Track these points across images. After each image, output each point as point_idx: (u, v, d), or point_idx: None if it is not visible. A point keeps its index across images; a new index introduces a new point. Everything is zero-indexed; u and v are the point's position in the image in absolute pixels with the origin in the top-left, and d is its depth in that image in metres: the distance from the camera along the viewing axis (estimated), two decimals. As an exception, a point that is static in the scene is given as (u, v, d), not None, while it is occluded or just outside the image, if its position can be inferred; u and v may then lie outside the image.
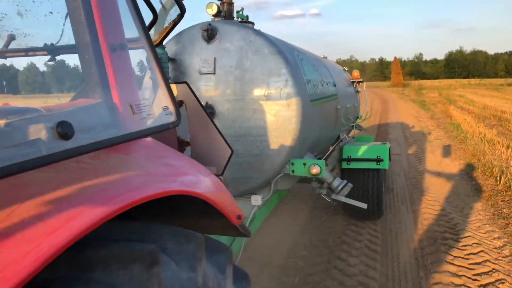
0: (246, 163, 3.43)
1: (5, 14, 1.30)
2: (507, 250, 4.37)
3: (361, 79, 6.33)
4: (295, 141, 3.39)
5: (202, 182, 1.33)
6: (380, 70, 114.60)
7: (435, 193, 6.43)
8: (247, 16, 4.01)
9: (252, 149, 3.40)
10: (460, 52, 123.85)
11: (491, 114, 15.89)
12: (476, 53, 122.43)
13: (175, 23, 1.81)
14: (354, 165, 5.07)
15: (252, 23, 3.91)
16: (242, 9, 4.01)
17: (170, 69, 3.52)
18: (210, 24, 3.44)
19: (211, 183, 1.40)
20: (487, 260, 4.13)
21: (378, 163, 4.97)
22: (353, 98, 6.09)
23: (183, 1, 1.72)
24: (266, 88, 3.32)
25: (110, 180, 1.02)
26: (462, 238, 4.71)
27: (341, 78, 5.68)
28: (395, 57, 74.48)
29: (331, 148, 4.53)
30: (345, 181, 3.99)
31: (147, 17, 1.77)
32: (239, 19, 3.87)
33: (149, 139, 1.38)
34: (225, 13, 3.75)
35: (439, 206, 5.85)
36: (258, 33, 3.48)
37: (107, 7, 1.28)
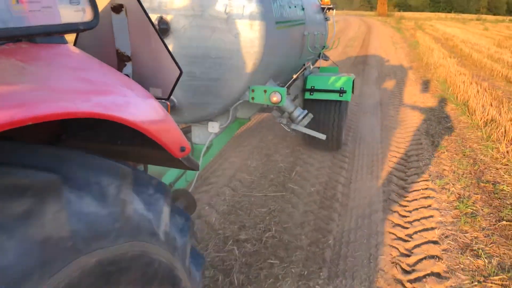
0: (204, 87, 3.20)
1: None
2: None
3: (331, 6, 6.00)
4: (257, 66, 3.16)
5: (131, 105, 1.10)
6: (367, 0, 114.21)
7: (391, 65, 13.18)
8: None
9: (210, 72, 3.15)
10: None
11: (444, 37, 22.31)
12: None
13: None
14: (317, 96, 4.96)
15: None
16: None
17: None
18: None
19: (145, 108, 1.17)
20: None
21: (341, 94, 4.88)
22: (321, 25, 5.79)
23: None
24: (227, 5, 3.01)
25: None
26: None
27: (310, 2, 5.34)
28: None
29: (293, 76, 4.34)
30: (305, 111, 3.87)
31: None
32: None
33: (69, 46, 1.12)
34: None
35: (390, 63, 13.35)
36: None
37: None
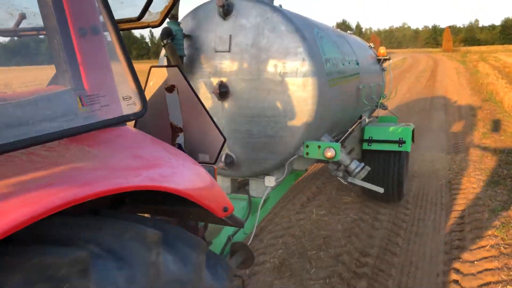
0: (260, 144, 3.38)
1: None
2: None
3: (387, 57, 6.08)
4: (311, 123, 3.30)
5: (177, 175, 1.28)
6: (433, 37, 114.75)
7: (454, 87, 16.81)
8: (267, -9, 3.86)
9: (266, 130, 3.33)
10: None
11: (503, 66, 24.83)
12: None
13: (173, 2, 1.74)
14: (375, 147, 4.95)
15: (272, -2, 3.77)
16: (261, -16, 3.86)
17: (185, 46, 3.45)
18: (226, 0, 3.33)
19: (190, 175, 1.35)
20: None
21: (400, 145, 4.83)
22: (378, 76, 5.87)
23: None
24: (282, 68, 3.22)
25: (57, 174, 0.97)
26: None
27: (365, 56, 5.47)
28: (447, 27, 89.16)
29: (349, 130, 4.41)
30: (362, 164, 3.89)
31: None
32: (258, -6, 3.73)
33: (127, 127, 1.34)
34: (243, -12, 3.62)
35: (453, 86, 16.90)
36: (276, 9, 3.35)
37: None
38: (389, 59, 6.11)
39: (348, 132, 4.41)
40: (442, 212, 5.08)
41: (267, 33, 3.25)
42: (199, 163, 1.67)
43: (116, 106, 1.24)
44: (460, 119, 11.00)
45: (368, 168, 3.93)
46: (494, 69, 21.84)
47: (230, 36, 3.34)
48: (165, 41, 3.14)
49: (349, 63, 4.33)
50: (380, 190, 4.04)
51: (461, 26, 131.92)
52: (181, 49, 3.35)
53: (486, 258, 3.90)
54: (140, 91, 1.28)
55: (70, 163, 1.04)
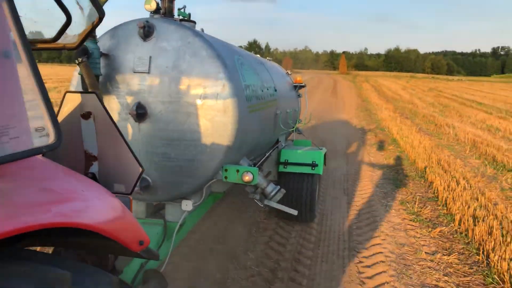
0: (178, 168, 3.34)
1: None
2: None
3: (303, 84, 6.41)
4: (230, 147, 3.35)
5: (90, 209, 1.22)
6: (330, 61, 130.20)
7: (348, 95, 29.99)
8: (189, 15, 3.89)
9: (185, 153, 3.31)
10: (396, 50, 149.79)
11: (377, 85, 39.21)
12: (409, 52, 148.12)
13: (93, 26, 1.68)
14: (291, 169, 5.15)
15: (194, 22, 3.80)
16: (184, 7, 3.88)
17: (102, 65, 3.32)
18: (147, 21, 3.29)
19: (104, 209, 1.30)
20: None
21: (313, 168, 5.08)
22: (294, 102, 6.15)
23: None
24: (202, 92, 3.24)
25: None
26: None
27: (283, 82, 5.72)
28: (343, 55, 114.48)
29: (267, 154, 4.54)
30: (278, 187, 4.02)
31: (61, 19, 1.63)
32: (180, 17, 3.75)
33: (35, 158, 1.26)
34: (165, 10, 3.61)
35: (347, 95, 29.90)
36: (197, 34, 3.38)
37: None
38: (304, 86, 6.44)
39: (265, 156, 4.54)
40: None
41: (188, 57, 3.26)
42: (114, 193, 1.61)
43: (27, 138, 1.14)
44: (350, 106, 21.48)
45: (283, 191, 4.06)
46: (371, 87, 37.15)
47: (150, 57, 3.29)
48: (80, 59, 2.99)
49: (267, 89, 4.49)
50: (294, 212, 4.20)
51: (354, 53, 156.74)
52: (97, 68, 3.22)
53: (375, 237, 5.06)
54: (54, 121, 1.20)
55: None
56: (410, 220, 5.61)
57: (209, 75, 3.24)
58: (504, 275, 4.00)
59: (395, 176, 7.63)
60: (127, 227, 1.41)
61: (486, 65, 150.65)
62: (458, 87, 41.84)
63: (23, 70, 1.17)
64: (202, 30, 3.89)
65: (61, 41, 1.89)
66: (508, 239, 4.73)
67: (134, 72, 3.30)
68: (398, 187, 6.96)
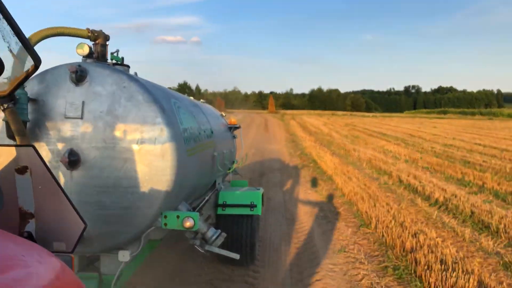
0: (114, 216, 3.18)
1: None
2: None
3: (237, 125, 6.51)
4: (169, 193, 3.26)
5: (34, 276, 1.12)
6: (259, 101, 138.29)
7: (276, 129, 35.42)
8: (122, 59, 3.84)
9: (122, 201, 3.16)
10: (319, 90, 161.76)
11: (302, 121, 45.38)
12: (331, 91, 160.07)
13: (28, 74, 1.60)
14: (229, 211, 5.11)
15: (127, 66, 3.76)
16: (117, 51, 3.83)
17: (30, 110, 3.14)
18: (79, 66, 3.19)
19: (49, 273, 1.20)
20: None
21: (252, 208, 5.08)
22: (229, 143, 6.21)
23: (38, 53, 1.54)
24: (139, 137, 3.17)
25: None
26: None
27: (218, 124, 5.77)
28: (271, 95, 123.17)
29: (206, 197, 4.49)
30: (219, 231, 3.96)
31: None
32: (113, 61, 3.69)
33: None
34: (98, 54, 3.54)
35: (276, 129, 35.37)
36: (133, 78, 3.34)
37: None
38: (239, 127, 6.55)
39: (205, 200, 4.48)
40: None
41: (124, 102, 3.20)
42: (54, 253, 1.49)
43: None
44: (280, 139, 25.26)
45: (224, 235, 4.01)
46: (297, 123, 41.75)
47: (83, 102, 3.18)
48: (5, 105, 2.80)
49: (204, 131, 4.50)
50: (236, 256, 4.14)
51: (280, 93, 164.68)
52: (24, 113, 3.03)
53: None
54: None
55: None
56: (320, 196, 9.33)
57: (147, 120, 3.19)
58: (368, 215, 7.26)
59: (313, 179, 11.38)
60: None
61: (400, 102, 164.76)
62: (370, 122, 47.00)
63: None
64: (136, 73, 3.85)
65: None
66: (366, 197, 8.59)
67: (66, 117, 3.15)
68: (314, 185, 10.65)
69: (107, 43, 3.62)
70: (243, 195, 5.17)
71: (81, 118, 3.16)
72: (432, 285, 4.54)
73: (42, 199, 1.61)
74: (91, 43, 3.50)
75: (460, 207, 7.68)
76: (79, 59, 3.44)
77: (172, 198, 3.36)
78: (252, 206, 5.09)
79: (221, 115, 6.56)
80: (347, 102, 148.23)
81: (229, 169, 5.83)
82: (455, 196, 8.55)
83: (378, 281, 4.79)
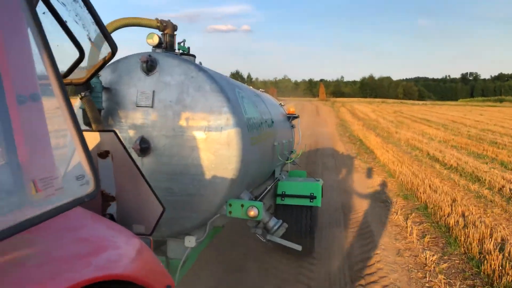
0: (182, 203, 3.26)
1: None
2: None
3: (296, 115, 6.45)
4: (234, 181, 3.30)
5: (125, 257, 1.15)
6: (309, 89, 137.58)
7: (327, 116, 35.78)
8: (189, 48, 3.91)
9: (189, 188, 3.24)
10: (371, 77, 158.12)
11: (352, 108, 47.42)
12: (383, 79, 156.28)
13: (105, 61, 1.64)
14: (288, 201, 5.08)
15: (194, 56, 3.82)
16: (184, 41, 3.90)
17: (104, 98, 3.29)
18: (150, 56, 3.28)
19: (136, 255, 1.23)
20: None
21: (312, 200, 5.02)
22: (288, 133, 6.17)
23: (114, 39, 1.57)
24: (206, 126, 3.22)
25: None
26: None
27: (278, 114, 5.74)
28: (321, 83, 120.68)
29: (267, 187, 4.49)
30: (280, 221, 3.95)
31: (74, 54, 1.60)
32: (180, 51, 3.76)
33: None
34: (167, 44, 3.62)
35: (327, 117, 34.91)
36: (200, 69, 3.39)
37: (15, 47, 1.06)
38: (297, 116, 6.48)
39: (267, 190, 4.48)
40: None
41: (192, 91, 3.25)
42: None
43: (70, 188, 1.07)
44: (331, 123, 27.33)
45: (286, 225, 4.00)
46: (347, 110, 43.26)
47: (154, 91, 3.27)
48: (82, 94, 2.95)
49: (266, 121, 4.49)
50: (299, 247, 4.11)
51: (331, 80, 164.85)
52: (99, 102, 3.18)
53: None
54: (93, 168, 1.13)
55: (13, 262, 0.86)
56: (362, 163, 12.07)
57: (213, 109, 3.23)
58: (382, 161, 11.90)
59: (358, 151, 14.45)
60: (157, 272, 1.35)
61: (456, 90, 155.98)
62: (419, 110, 48.85)
63: (60, 116, 1.11)
64: (201, 63, 3.91)
65: (69, 77, 1.85)
66: (397, 162, 11.36)
67: (137, 106, 3.26)
68: (358, 155, 13.44)
69: (175, 33, 3.69)
70: (303, 186, 5.12)
71: (152, 107, 3.26)
72: (424, 200, 7.56)
73: (123, 183, 1.67)
74: (159, 33, 3.59)
75: (466, 169, 10.40)
76: (148, 49, 3.55)
77: (236, 186, 3.40)
78: (312, 197, 5.02)
79: (280, 104, 6.53)
80: (399, 90, 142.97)
81: (287, 159, 5.80)
82: (466, 163, 11.19)
83: (394, 200, 7.86)
